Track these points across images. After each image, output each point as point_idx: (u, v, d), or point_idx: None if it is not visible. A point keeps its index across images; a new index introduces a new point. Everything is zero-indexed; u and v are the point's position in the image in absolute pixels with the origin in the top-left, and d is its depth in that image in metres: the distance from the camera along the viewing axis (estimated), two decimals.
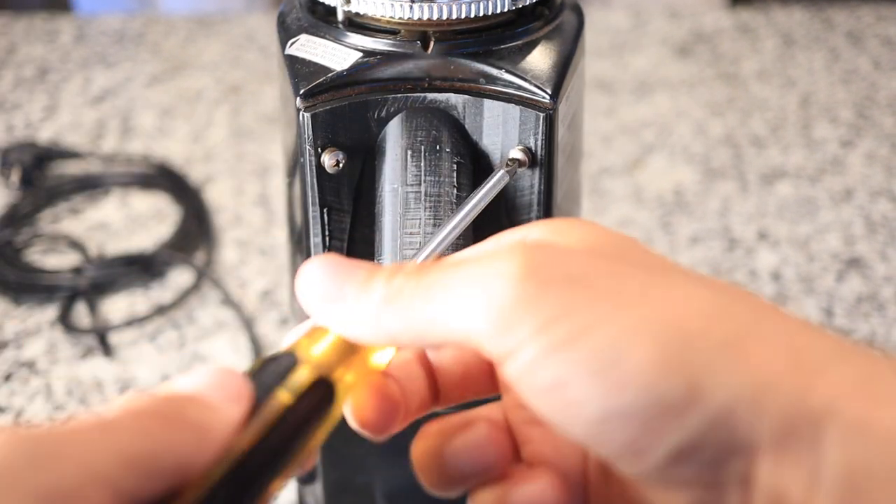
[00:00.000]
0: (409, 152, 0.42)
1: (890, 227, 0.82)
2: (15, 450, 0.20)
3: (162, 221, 0.84)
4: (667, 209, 0.85)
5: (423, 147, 0.42)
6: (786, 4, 1.18)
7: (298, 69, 0.43)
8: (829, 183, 0.88)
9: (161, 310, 0.73)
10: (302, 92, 0.42)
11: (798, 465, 0.24)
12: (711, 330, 0.25)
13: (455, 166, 0.42)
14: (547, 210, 0.44)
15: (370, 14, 0.43)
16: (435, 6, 0.42)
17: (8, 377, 0.68)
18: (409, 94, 0.43)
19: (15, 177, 0.86)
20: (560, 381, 0.25)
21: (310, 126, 0.42)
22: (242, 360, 0.69)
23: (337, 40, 0.43)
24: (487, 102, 0.43)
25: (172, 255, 0.77)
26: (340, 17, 0.44)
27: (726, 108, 0.99)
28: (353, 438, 0.34)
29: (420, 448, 0.31)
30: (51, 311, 0.74)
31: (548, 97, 0.42)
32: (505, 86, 0.42)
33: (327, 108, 0.42)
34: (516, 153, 0.43)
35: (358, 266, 0.29)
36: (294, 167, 0.46)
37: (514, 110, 0.42)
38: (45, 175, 0.88)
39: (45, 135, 0.96)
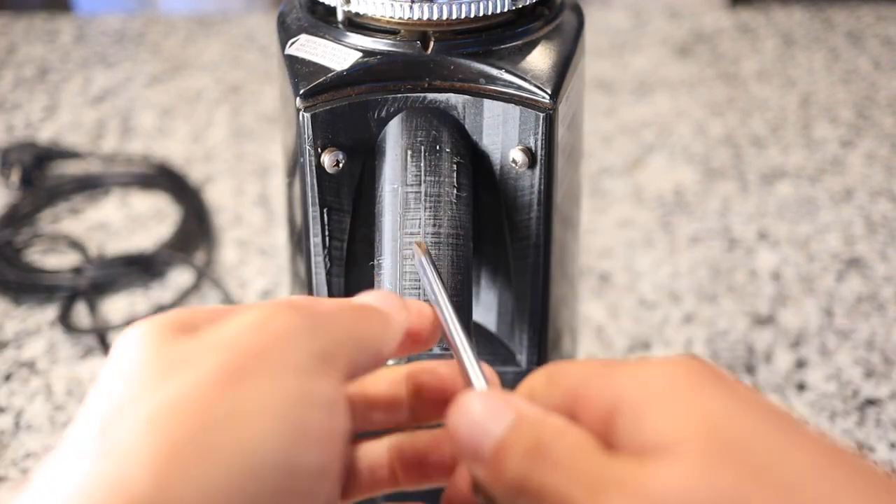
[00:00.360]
0: (409, 152, 0.42)
1: (890, 227, 0.82)
2: (299, 323, 0.28)
3: (162, 221, 0.84)
4: (667, 209, 0.85)
5: (422, 147, 0.42)
6: (786, 4, 1.18)
7: (298, 69, 0.43)
8: (829, 183, 0.88)
9: (161, 310, 0.73)
10: (302, 92, 0.42)
11: None
12: None
13: (455, 166, 0.42)
14: (547, 210, 0.44)
15: (370, 14, 0.43)
16: (435, 6, 0.42)
17: (8, 377, 0.68)
18: (409, 94, 0.43)
19: (15, 177, 0.86)
20: None
21: (310, 126, 0.42)
22: None
23: (337, 40, 0.43)
24: (487, 102, 0.43)
25: (172, 255, 0.77)
26: (340, 17, 0.44)
27: (726, 108, 0.99)
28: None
29: None
30: (51, 311, 0.74)
31: (548, 97, 0.42)
32: (505, 86, 0.42)
33: (327, 108, 0.42)
34: (516, 153, 0.43)
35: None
36: (294, 167, 0.46)
37: (514, 110, 0.42)
38: (45, 175, 0.88)
39: (45, 135, 0.96)
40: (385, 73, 0.42)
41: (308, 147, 0.43)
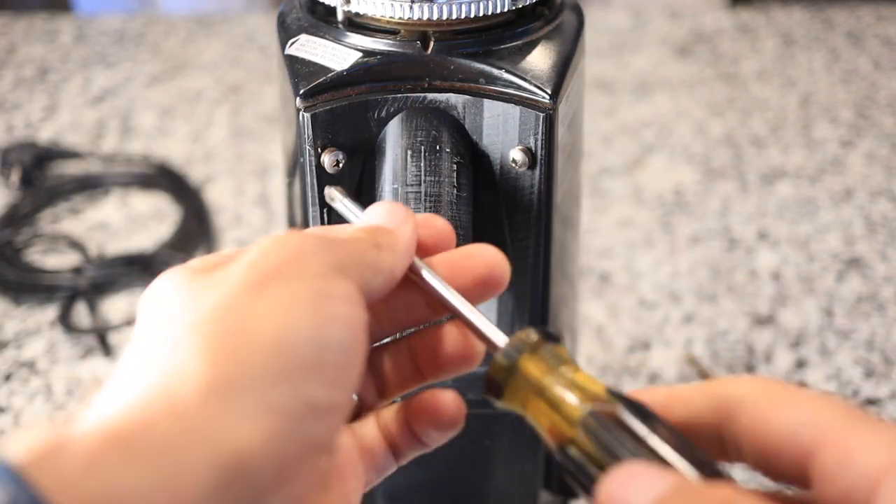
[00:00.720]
0: (409, 152, 0.42)
1: (890, 227, 0.82)
2: (315, 243, 0.31)
3: (162, 221, 0.84)
4: (667, 209, 0.85)
5: (422, 147, 0.42)
6: (786, 4, 1.18)
7: (298, 69, 0.43)
8: (829, 183, 0.88)
9: None
10: (302, 92, 0.42)
11: None
12: None
13: (455, 166, 0.42)
14: (547, 210, 0.44)
15: (370, 14, 0.43)
16: (435, 6, 0.42)
17: (8, 377, 0.68)
18: (409, 94, 0.43)
19: (15, 177, 0.86)
20: None
21: (310, 126, 0.42)
22: None
23: (337, 40, 0.43)
24: (487, 102, 0.43)
25: (172, 255, 0.77)
26: (340, 17, 0.44)
27: (726, 108, 0.99)
28: None
29: None
30: (51, 311, 0.74)
31: (548, 97, 0.42)
32: (505, 86, 0.42)
33: (327, 108, 0.42)
34: (516, 153, 0.43)
35: None
36: (294, 167, 0.46)
37: (514, 110, 0.42)
38: (45, 175, 0.88)
39: (45, 135, 0.96)
40: (385, 73, 0.42)
41: (308, 147, 0.43)
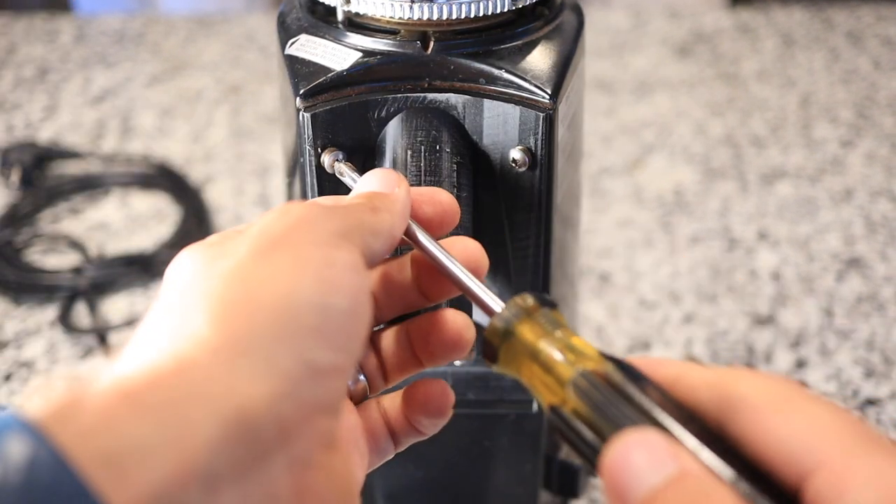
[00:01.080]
0: (409, 152, 0.42)
1: (890, 227, 0.82)
2: (317, 210, 0.32)
3: (162, 221, 0.84)
4: (667, 209, 0.85)
5: (422, 147, 0.42)
6: (786, 4, 1.18)
7: (298, 69, 0.43)
8: (829, 183, 0.88)
9: None
10: (302, 92, 0.42)
11: None
12: None
13: (455, 166, 0.42)
14: (547, 210, 0.44)
15: (370, 14, 0.43)
16: (435, 6, 0.42)
17: (8, 377, 0.68)
18: (408, 94, 0.43)
19: (15, 177, 0.86)
20: None
21: (310, 126, 0.42)
22: None
23: (337, 40, 0.43)
24: (487, 102, 0.43)
25: (172, 255, 0.76)
26: (340, 17, 0.44)
27: (726, 108, 0.99)
28: None
29: None
30: (51, 311, 0.74)
31: (548, 97, 0.42)
32: (505, 86, 0.42)
33: (327, 108, 0.42)
34: (516, 153, 0.43)
35: None
36: (294, 167, 0.46)
37: (514, 110, 0.42)
38: (45, 175, 0.88)
39: (45, 135, 0.96)
40: (385, 73, 0.42)
41: (308, 147, 0.43)
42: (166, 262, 0.34)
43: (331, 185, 0.44)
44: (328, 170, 0.43)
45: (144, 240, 0.81)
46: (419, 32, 0.43)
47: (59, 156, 0.90)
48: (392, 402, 0.37)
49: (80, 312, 0.74)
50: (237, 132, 0.96)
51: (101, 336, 0.71)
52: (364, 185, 0.36)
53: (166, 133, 0.96)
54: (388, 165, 0.43)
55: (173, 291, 0.31)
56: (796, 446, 0.26)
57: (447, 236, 0.37)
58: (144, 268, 0.77)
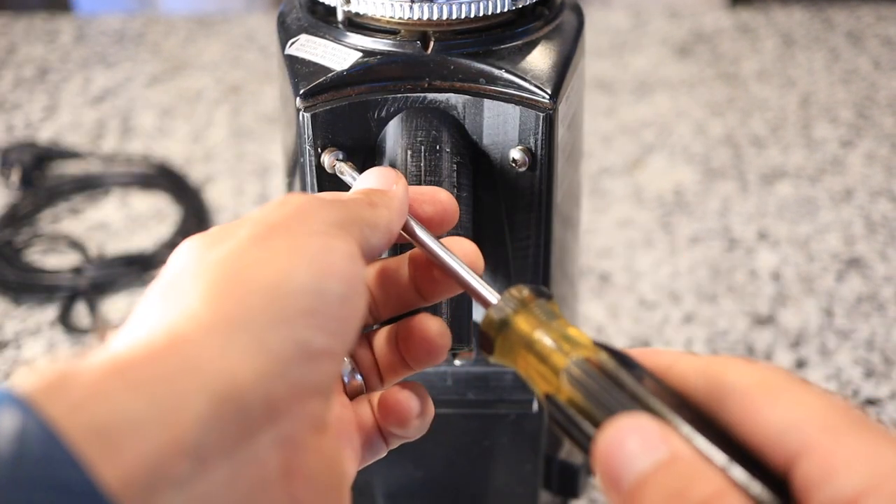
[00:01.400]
0: (409, 152, 0.42)
1: (890, 227, 0.82)
2: (316, 201, 0.32)
3: (162, 221, 0.84)
4: (667, 209, 0.85)
5: (422, 147, 0.42)
6: (786, 4, 1.18)
7: (298, 69, 0.43)
8: (829, 183, 0.88)
9: None
10: (302, 92, 0.42)
11: None
12: None
13: (455, 166, 0.42)
14: (547, 210, 0.44)
15: (370, 14, 0.43)
16: (435, 6, 0.42)
17: (8, 377, 0.68)
18: (408, 94, 0.43)
19: (15, 177, 0.86)
20: None
21: (310, 126, 0.42)
22: None
23: (337, 40, 0.43)
24: (487, 102, 0.43)
25: None
26: (340, 17, 0.44)
27: (726, 108, 0.99)
28: None
29: None
30: (51, 311, 0.74)
31: (548, 97, 0.42)
32: (505, 86, 0.42)
33: (327, 108, 0.42)
34: (516, 153, 0.43)
35: None
36: (294, 167, 0.46)
37: (514, 110, 0.42)
38: (45, 175, 0.88)
39: (45, 135, 0.96)
40: (385, 73, 0.42)
41: (308, 147, 0.43)
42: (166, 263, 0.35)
43: (331, 184, 0.44)
44: (328, 170, 0.43)
45: (144, 240, 0.81)
46: (419, 32, 0.43)
47: (59, 156, 0.90)
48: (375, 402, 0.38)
49: (80, 312, 0.74)
50: (237, 132, 0.96)
51: (100, 336, 0.71)
52: (362, 182, 0.37)
53: (166, 133, 0.96)
54: (388, 165, 0.43)
55: (171, 274, 0.31)
56: (784, 430, 0.26)
57: (446, 236, 0.37)
58: (144, 268, 0.77)
